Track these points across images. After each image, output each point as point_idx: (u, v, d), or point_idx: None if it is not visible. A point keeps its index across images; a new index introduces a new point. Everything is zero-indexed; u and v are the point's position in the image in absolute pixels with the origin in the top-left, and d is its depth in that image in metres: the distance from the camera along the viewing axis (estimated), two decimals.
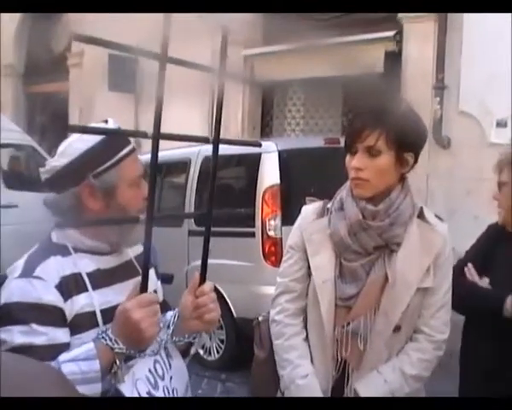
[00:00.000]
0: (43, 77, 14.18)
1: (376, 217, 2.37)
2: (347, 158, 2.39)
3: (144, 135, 1.55)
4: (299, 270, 2.52)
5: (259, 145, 2.14)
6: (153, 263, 2.36)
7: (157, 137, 1.52)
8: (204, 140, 1.75)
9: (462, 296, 2.72)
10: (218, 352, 7.33)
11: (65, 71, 13.67)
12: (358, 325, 2.38)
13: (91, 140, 1.99)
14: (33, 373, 1.00)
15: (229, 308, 7.00)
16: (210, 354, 7.36)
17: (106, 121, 2.08)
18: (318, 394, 2.41)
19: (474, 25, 7.92)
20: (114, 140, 2.05)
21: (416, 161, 2.40)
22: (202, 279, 2.02)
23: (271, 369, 2.57)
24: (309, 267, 2.49)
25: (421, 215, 2.47)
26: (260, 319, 2.68)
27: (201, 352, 7.27)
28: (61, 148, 2.05)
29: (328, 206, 2.51)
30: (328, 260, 2.43)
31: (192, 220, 7.15)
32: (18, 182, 10.25)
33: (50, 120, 13.88)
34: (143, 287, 1.77)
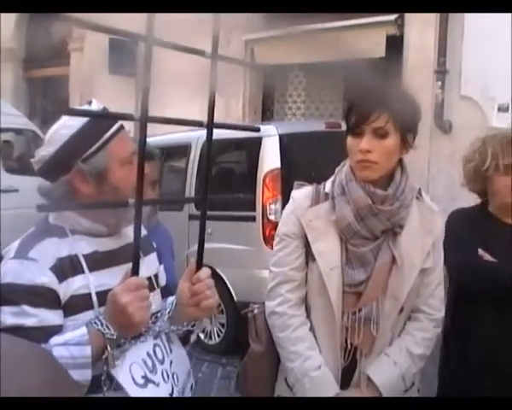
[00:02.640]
0: (44, 61, 14.13)
1: (385, 201, 2.35)
2: (350, 140, 2.36)
3: (131, 117, 1.53)
4: (298, 258, 2.45)
5: (257, 130, 2.10)
6: (154, 247, 2.35)
7: (145, 119, 1.49)
8: (197, 124, 1.72)
9: (475, 272, 2.79)
10: (218, 336, 7.35)
11: (65, 55, 13.63)
12: (371, 310, 2.38)
13: (76, 125, 1.96)
14: (20, 352, 1.00)
15: (230, 292, 7.02)
16: (211, 337, 7.37)
17: (90, 102, 2.04)
18: (333, 384, 2.39)
19: None
20: (99, 122, 2.00)
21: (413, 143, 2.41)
22: (199, 266, 1.99)
23: (269, 363, 2.55)
24: (307, 255, 2.45)
25: (418, 196, 2.48)
26: (256, 311, 2.60)
27: (202, 336, 7.27)
28: (47, 136, 2.03)
29: (327, 190, 2.46)
30: (334, 247, 2.39)
31: (192, 204, 7.14)
32: (18, 166, 10.22)
33: (51, 104, 13.85)
34: (134, 271, 1.74)
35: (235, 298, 7.00)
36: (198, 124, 1.70)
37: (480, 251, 2.83)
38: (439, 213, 2.52)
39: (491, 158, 2.84)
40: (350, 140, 2.36)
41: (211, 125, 1.70)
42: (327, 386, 2.39)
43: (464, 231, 2.90)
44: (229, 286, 7.02)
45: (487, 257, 2.81)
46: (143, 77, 1.48)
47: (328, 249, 2.39)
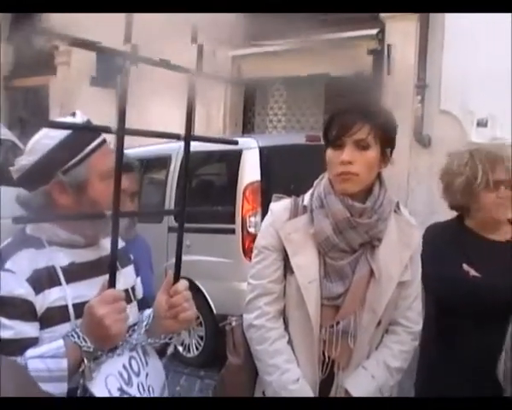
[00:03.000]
0: (26, 72, 14.05)
1: (363, 214, 2.36)
2: (330, 153, 2.35)
3: (108, 130, 1.52)
4: (276, 270, 2.44)
5: (236, 143, 2.08)
6: (131, 259, 2.33)
7: (121, 132, 1.48)
8: (174, 137, 1.71)
9: (455, 287, 2.79)
10: (197, 349, 7.32)
11: (48, 66, 13.56)
12: (349, 324, 2.37)
13: (58, 136, 1.94)
14: None
15: (209, 305, 7.00)
16: (189, 350, 7.34)
17: (73, 114, 2.02)
18: (311, 397, 2.38)
19: (456, 24, 7.95)
20: (82, 134, 1.99)
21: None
22: (176, 278, 1.98)
23: (246, 376, 2.53)
24: (285, 268, 2.44)
25: (396, 209, 2.49)
26: (233, 324, 2.58)
27: (180, 349, 7.24)
28: (28, 145, 2.01)
29: (305, 203, 2.46)
30: (312, 260, 2.38)
31: (172, 217, 7.12)
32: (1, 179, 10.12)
33: (31, 115, 13.76)
34: (111, 283, 1.73)
35: (214, 311, 6.98)
36: (175, 137, 1.70)
37: (465, 266, 2.83)
38: (416, 227, 2.53)
39: (481, 173, 2.83)
40: (330, 152, 2.36)
41: (188, 138, 1.69)
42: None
43: (443, 245, 2.90)
44: (208, 299, 7.00)
45: (472, 272, 2.82)
46: (120, 90, 1.47)
47: (306, 263, 2.38)
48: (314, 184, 2.50)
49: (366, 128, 2.30)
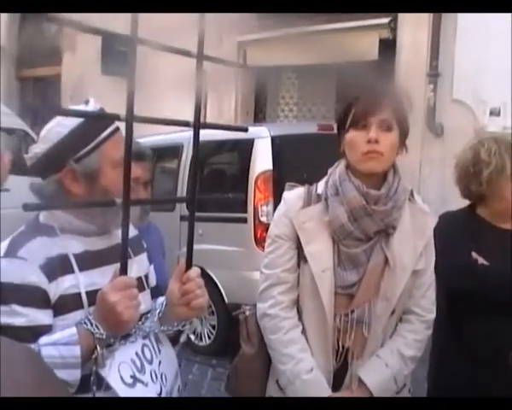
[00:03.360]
0: (36, 61, 14.09)
1: (379, 201, 2.36)
2: (354, 134, 2.34)
3: (117, 117, 1.52)
4: (290, 260, 2.44)
5: (245, 130, 2.08)
6: (145, 247, 2.34)
7: (130, 119, 1.48)
8: (184, 124, 1.71)
9: (467, 274, 2.79)
10: (209, 337, 7.34)
11: (57, 55, 13.59)
12: (363, 312, 2.37)
13: (71, 124, 1.95)
14: (9, 353, 1.00)
15: (221, 294, 7.02)
16: (201, 339, 7.37)
17: (87, 102, 2.02)
18: (325, 387, 2.39)
19: (469, 13, 7.90)
20: (95, 122, 1.99)
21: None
22: (188, 265, 1.98)
23: (260, 365, 2.54)
24: (299, 257, 2.44)
25: (410, 198, 2.49)
26: (247, 313, 2.58)
27: (193, 337, 7.28)
28: (42, 133, 2.02)
29: (319, 192, 2.46)
30: (326, 248, 2.38)
31: (184, 205, 7.13)
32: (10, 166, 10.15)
33: (42, 104, 13.80)
34: (122, 270, 1.74)
35: (225, 300, 7.00)
36: (185, 124, 1.69)
37: (474, 254, 2.82)
38: (430, 215, 2.53)
39: (510, 162, 2.81)
40: (354, 134, 2.35)
41: (198, 126, 1.69)
42: (319, 389, 2.38)
43: (455, 233, 2.89)
44: (220, 288, 7.02)
45: (481, 260, 2.81)
46: (128, 77, 1.47)
47: (320, 251, 2.38)
48: (328, 172, 2.50)
49: (390, 109, 2.33)
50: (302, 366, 2.39)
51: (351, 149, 2.37)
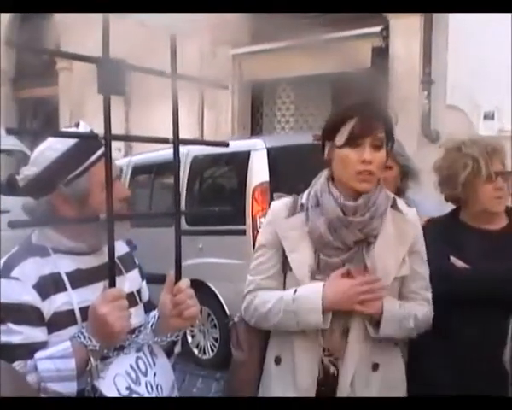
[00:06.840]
0: (34, 81, 14.16)
1: (356, 212, 2.38)
2: (348, 152, 2.35)
3: (96, 137, 1.57)
4: (272, 267, 2.50)
5: (226, 145, 2.11)
6: (136, 263, 2.38)
7: (108, 137, 1.53)
8: (163, 141, 1.76)
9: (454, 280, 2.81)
10: (212, 350, 7.36)
11: (54, 75, 13.64)
12: (347, 318, 2.40)
13: (61, 148, 1.99)
14: None
15: (222, 306, 7.04)
16: (204, 352, 7.39)
17: (77, 125, 2.06)
18: (317, 289, 2.36)
19: (460, 19, 7.94)
20: (84, 145, 2.02)
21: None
22: (178, 277, 2.03)
23: (251, 371, 2.58)
24: (284, 265, 2.48)
25: (393, 205, 2.50)
26: (236, 319, 2.64)
27: (196, 351, 7.31)
28: (33, 155, 2.06)
29: (303, 202, 2.49)
30: (308, 257, 2.43)
31: (184, 220, 7.16)
32: (9, 187, 10.16)
33: (41, 125, 13.86)
34: (111, 283, 1.80)
35: (227, 312, 7.01)
36: (164, 141, 1.74)
37: (452, 258, 2.86)
38: (411, 222, 2.52)
39: (485, 165, 2.85)
40: (348, 152, 2.35)
41: (177, 142, 1.73)
42: (311, 295, 2.38)
43: (436, 239, 2.92)
44: (222, 300, 7.04)
45: (459, 264, 2.84)
46: (103, 96, 1.52)
47: (301, 259, 2.43)
48: (312, 183, 2.54)
49: (382, 126, 2.36)
50: (288, 292, 2.42)
51: (344, 167, 2.39)
